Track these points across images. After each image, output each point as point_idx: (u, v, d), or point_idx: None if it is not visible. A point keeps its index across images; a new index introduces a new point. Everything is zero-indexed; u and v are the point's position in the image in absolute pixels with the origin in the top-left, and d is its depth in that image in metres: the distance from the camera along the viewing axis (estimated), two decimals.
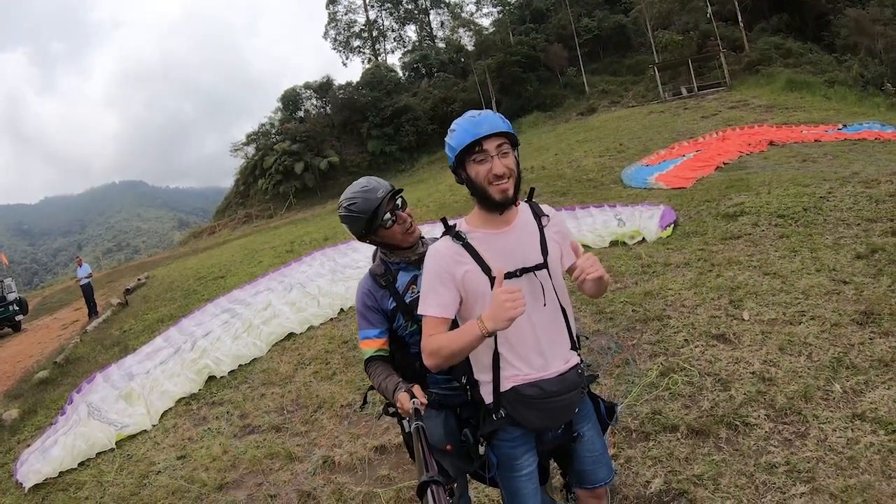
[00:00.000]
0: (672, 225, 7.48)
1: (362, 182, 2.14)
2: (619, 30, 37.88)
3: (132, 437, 5.49)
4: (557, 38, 38.07)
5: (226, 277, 13.66)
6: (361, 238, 2.15)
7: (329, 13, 51.08)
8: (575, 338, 1.89)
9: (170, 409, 5.93)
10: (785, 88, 22.84)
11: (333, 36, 51.47)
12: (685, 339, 4.33)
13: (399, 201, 2.12)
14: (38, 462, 5.31)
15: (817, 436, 2.91)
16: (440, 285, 1.77)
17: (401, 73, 47.48)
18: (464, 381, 1.87)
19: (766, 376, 3.53)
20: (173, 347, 7.96)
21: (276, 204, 39.29)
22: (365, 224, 2.07)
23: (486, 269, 1.74)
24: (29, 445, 5.92)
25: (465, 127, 1.71)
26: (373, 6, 51.40)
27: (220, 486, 4.12)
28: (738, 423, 3.15)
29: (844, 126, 14.15)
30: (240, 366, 6.59)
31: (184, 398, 6.07)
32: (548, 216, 1.88)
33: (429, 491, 1.32)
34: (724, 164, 11.31)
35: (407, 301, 2.08)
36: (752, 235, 6.38)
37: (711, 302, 4.89)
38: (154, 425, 5.64)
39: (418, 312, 1.83)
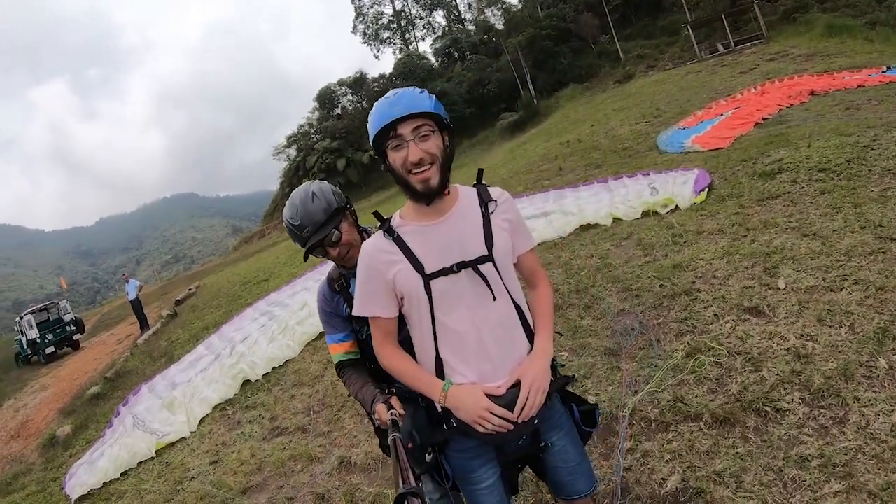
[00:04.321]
0: (706, 189, 7.03)
1: (299, 201, 1.94)
2: None
3: (171, 444, 5.63)
4: (587, 7, 36.84)
5: (269, 280, 13.89)
6: None
7: (356, 7, 51.12)
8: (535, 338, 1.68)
9: (207, 415, 6.05)
10: (824, 34, 21.34)
11: (362, 30, 51.59)
12: (714, 315, 4.01)
13: (333, 235, 1.92)
14: (86, 474, 5.56)
15: (857, 422, 2.57)
16: (371, 286, 1.64)
17: (433, 60, 47.17)
18: None
19: (801, 353, 3.19)
20: (214, 354, 8.13)
21: None
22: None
23: (419, 267, 1.57)
24: (79, 459, 6.17)
25: (378, 110, 1.52)
26: None
27: (244, 490, 4.16)
28: (768, 408, 2.84)
29: (889, 68, 13.04)
30: (273, 368, 6.65)
31: (220, 403, 6.18)
32: (495, 201, 1.66)
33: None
34: (764, 119, 10.59)
35: None
36: (791, 194, 5.88)
37: (745, 271, 4.53)
38: (192, 432, 5.77)
39: (353, 314, 1.72)
